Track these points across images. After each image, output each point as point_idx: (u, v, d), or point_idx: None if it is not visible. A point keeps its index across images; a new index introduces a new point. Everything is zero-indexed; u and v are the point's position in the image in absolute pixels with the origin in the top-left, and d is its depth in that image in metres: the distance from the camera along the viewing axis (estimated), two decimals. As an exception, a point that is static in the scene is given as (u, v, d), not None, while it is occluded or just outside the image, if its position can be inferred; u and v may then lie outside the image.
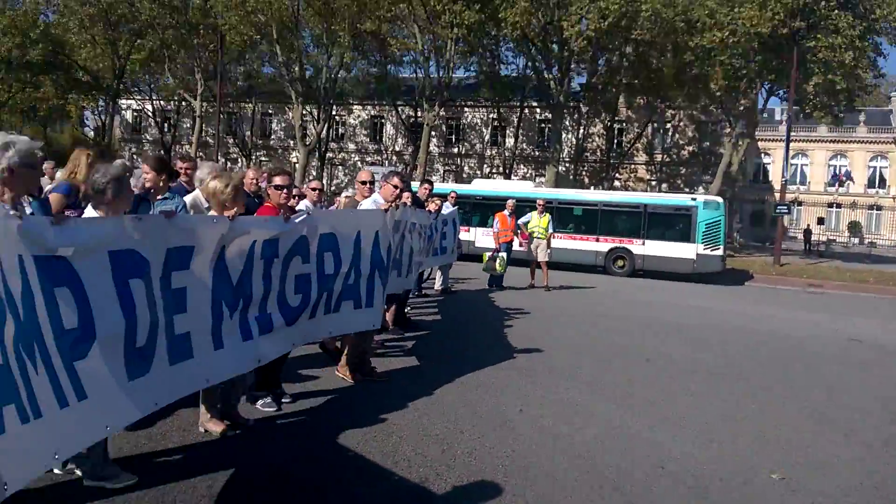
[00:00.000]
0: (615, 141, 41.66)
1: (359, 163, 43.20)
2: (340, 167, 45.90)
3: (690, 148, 41.64)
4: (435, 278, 12.94)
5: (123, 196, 3.52)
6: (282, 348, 4.66)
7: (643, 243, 20.30)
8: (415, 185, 12.55)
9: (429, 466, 4.24)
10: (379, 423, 4.99)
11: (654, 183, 41.50)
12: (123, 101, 46.91)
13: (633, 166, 41.64)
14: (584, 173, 41.40)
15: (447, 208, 12.34)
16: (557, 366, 7.31)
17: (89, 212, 3.52)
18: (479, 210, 22.43)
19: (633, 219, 20.92)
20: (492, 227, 14.96)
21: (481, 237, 21.53)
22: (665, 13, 26.89)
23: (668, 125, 41.50)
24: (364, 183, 6.52)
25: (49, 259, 2.72)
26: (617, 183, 40.56)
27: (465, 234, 21.76)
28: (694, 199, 20.65)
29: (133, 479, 3.67)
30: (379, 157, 44.74)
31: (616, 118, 40.06)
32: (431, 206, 9.82)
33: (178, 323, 3.49)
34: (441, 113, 37.00)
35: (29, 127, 48.10)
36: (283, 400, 5.29)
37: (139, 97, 46.81)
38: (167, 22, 36.08)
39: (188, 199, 5.15)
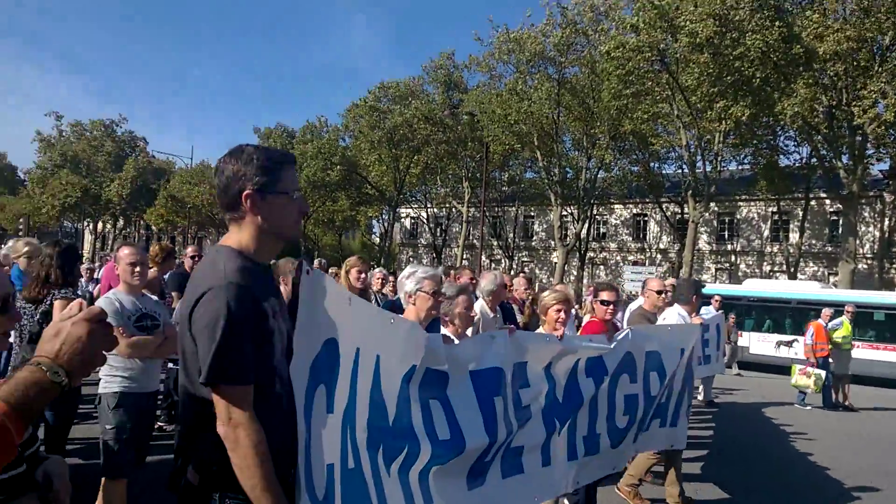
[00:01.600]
0: (937, 232, 35.11)
1: (620, 262, 41.98)
2: (602, 266, 45.11)
3: None
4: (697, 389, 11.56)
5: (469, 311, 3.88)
6: (600, 472, 4.33)
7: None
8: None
9: None
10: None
11: None
12: (403, 210, 52.14)
13: (962, 262, 34.55)
14: (893, 271, 35.32)
15: (710, 313, 11.16)
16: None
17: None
18: (753, 313, 20.12)
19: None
20: (803, 336, 13.04)
21: (756, 343, 19.18)
22: None
23: None
24: (660, 293, 6.00)
25: (436, 372, 2.86)
26: (940, 282, 33.91)
27: (738, 340, 19.63)
28: None
29: None
30: (642, 256, 43.09)
31: (933, 206, 33.93)
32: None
33: (516, 437, 3.49)
34: (712, 208, 34.65)
35: (327, 235, 56.01)
36: None
37: (416, 205, 52.00)
38: (439, 138, 40.17)
39: (475, 307, 5.05)
